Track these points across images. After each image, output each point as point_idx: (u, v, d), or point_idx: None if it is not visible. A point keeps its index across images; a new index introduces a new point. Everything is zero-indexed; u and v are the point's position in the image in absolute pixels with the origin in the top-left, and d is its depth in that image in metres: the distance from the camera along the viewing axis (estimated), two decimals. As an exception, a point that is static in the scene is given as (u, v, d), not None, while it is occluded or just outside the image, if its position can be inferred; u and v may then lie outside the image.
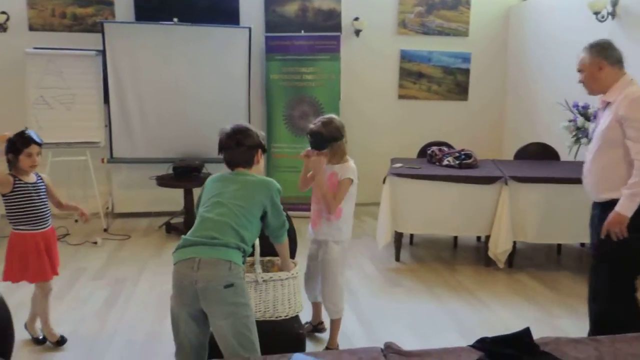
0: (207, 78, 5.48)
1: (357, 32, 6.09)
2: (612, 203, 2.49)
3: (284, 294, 2.39)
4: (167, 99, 5.43)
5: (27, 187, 2.77)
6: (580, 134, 4.29)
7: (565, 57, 5.33)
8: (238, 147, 2.25)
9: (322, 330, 3.15)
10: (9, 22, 5.37)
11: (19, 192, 2.75)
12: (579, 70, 2.70)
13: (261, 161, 2.37)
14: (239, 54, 5.55)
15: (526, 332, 1.54)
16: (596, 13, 4.62)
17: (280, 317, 2.38)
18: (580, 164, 4.44)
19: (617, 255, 2.54)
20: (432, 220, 4.28)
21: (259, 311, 2.34)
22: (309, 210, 2.98)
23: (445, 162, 4.55)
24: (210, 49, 5.46)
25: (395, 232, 4.37)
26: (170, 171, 5.35)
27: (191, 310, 2.02)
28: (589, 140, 2.89)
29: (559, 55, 5.43)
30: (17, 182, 2.74)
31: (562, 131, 4.52)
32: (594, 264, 2.73)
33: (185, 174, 5.22)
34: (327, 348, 2.91)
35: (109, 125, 5.37)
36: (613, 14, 4.58)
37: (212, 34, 5.45)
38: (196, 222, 2.17)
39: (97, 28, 5.33)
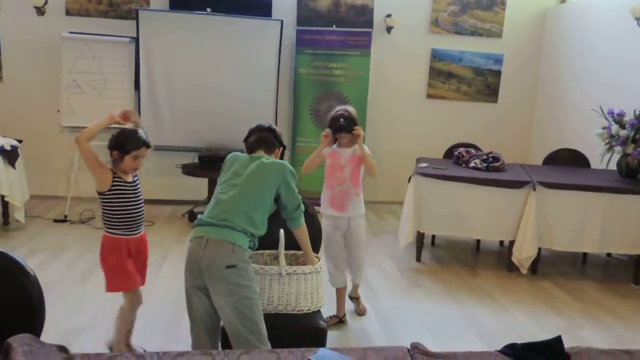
0: (237, 69, 5.51)
1: (389, 29, 6.05)
2: None
3: (307, 288, 2.39)
4: (196, 89, 5.47)
5: (126, 187, 2.51)
6: (614, 142, 4.19)
7: (601, 63, 5.22)
8: (266, 132, 2.45)
9: (361, 312, 3.40)
10: (47, 6, 5.48)
11: (117, 192, 2.49)
12: None
13: (278, 156, 2.51)
14: (269, 46, 5.56)
15: (558, 340, 1.52)
16: (638, 19, 4.49)
17: (302, 311, 2.38)
18: (612, 172, 4.38)
19: None
20: (456, 222, 4.23)
21: (282, 304, 2.35)
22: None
23: (472, 164, 4.50)
24: (241, 40, 5.48)
25: (418, 232, 4.34)
26: (196, 160, 5.41)
27: (199, 284, 2.13)
28: None
29: (595, 61, 5.30)
30: (115, 179, 2.48)
31: (594, 138, 4.42)
32: None
33: (210, 163, 5.27)
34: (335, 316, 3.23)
35: (138, 112, 5.44)
36: (655, 20, 4.46)
37: (244, 25, 5.47)
38: (211, 202, 2.26)
39: (132, 15, 5.41)
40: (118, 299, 2.62)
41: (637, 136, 4.05)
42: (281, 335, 2.18)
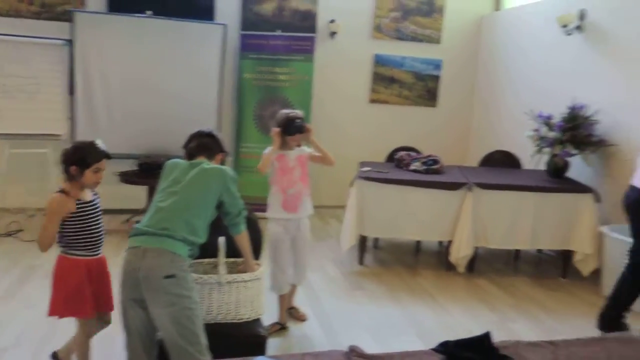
0: (178, 74, 5.42)
1: (333, 34, 6.12)
2: None
3: (247, 296, 2.39)
4: (136, 93, 5.33)
5: (86, 207, 2.35)
6: (543, 143, 4.43)
7: (532, 68, 5.50)
8: (207, 137, 2.44)
9: (302, 318, 3.43)
10: (-27, 7, 5.19)
11: (78, 215, 2.31)
12: None
13: (219, 162, 2.48)
14: (212, 50, 5.50)
15: (486, 336, 1.60)
16: (564, 26, 4.76)
17: (242, 319, 2.38)
18: (542, 172, 4.61)
19: None
20: (398, 225, 4.34)
21: (221, 313, 2.34)
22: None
23: (412, 167, 4.63)
24: (183, 44, 5.39)
25: (360, 235, 4.41)
26: (135, 167, 5.26)
27: (136, 296, 2.09)
28: None
29: (527, 66, 5.58)
30: (78, 205, 2.30)
31: (526, 140, 4.65)
32: None
33: (150, 170, 5.11)
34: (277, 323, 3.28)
35: (72, 117, 5.25)
36: (580, 28, 4.73)
37: (186, 29, 5.39)
38: (149, 210, 2.22)
39: (67, 17, 5.20)
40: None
41: (564, 137, 4.29)
42: (221, 345, 2.17)
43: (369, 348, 2.00)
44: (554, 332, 3.37)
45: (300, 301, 3.66)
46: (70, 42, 5.10)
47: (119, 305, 2.15)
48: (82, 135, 5.26)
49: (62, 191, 2.30)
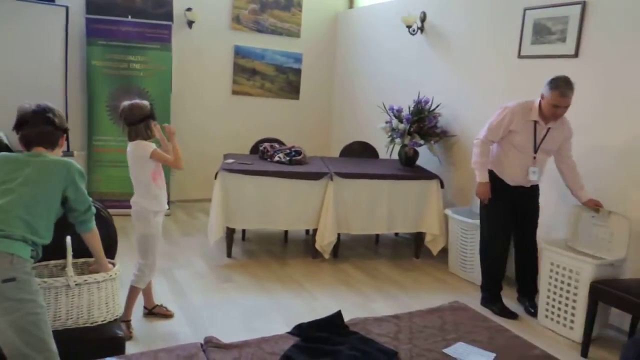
0: (17, 59, 4.82)
1: (190, 24, 5.91)
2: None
3: (101, 298, 2.22)
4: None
5: None
6: (395, 134, 4.75)
7: (384, 63, 5.87)
8: (46, 124, 2.16)
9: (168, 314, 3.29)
10: None
11: None
12: (566, 107, 3.31)
13: (63, 146, 2.27)
14: (54, 35, 4.98)
15: (338, 314, 1.68)
16: (408, 27, 5.15)
17: (97, 322, 2.20)
18: (395, 161, 4.97)
19: None
20: (264, 216, 4.36)
21: (71, 318, 2.14)
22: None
23: (276, 159, 4.67)
24: (20, 28, 4.80)
25: (227, 228, 4.36)
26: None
27: None
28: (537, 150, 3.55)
29: (380, 61, 5.94)
30: None
31: (379, 131, 4.96)
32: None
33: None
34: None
35: None
36: (422, 29, 5.16)
37: (24, 10, 4.80)
38: None
39: None
40: None
41: (412, 129, 4.66)
42: (75, 352, 2.00)
43: (238, 338, 1.99)
44: (408, 307, 3.63)
45: (166, 297, 3.53)
46: None
47: None
48: None
49: None
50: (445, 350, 1.69)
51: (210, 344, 1.51)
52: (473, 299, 3.82)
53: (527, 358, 1.68)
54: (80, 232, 2.20)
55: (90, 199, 2.21)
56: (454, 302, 2.18)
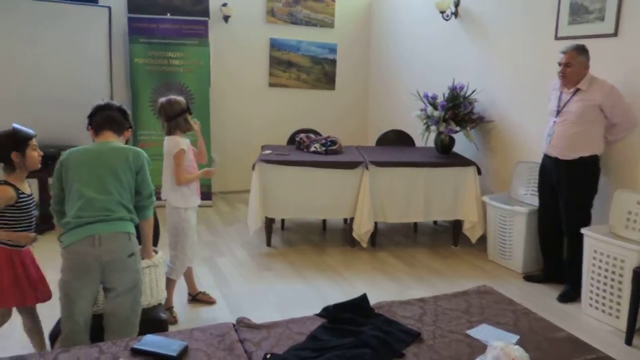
0: (64, 59, 5.07)
1: (226, 18, 6.04)
2: (581, 161, 3.45)
3: (145, 283, 2.36)
4: (19, 81, 4.91)
5: (26, 198, 2.34)
6: (430, 122, 4.73)
7: (419, 50, 5.82)
8: (118, 110, 2.39)
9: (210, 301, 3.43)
10: None
11: (20, 207, 2.31)
12: (567, 64, 3.41)
13: (126, 138, 2.48)
14: (98, 34, 5.21)
15: (363, 297, 1.74)
16: (442, 12, 5.09)
17: (142, 305, 2.34)
18: (431, 149, 4.95)
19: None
20: (300, 205, 4.44)
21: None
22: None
23: (312, 149, 4.74)
24: (67, 28, 5.05)
25: (266, 217, 4.47)
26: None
27: (93, 289, 2.12)
28: (557, 114, 3.57)
29: (414, 48, 5.90)
30: (20, 195, 2.30)
31: (414, 119, 4.94)
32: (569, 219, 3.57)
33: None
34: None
35: (-58, 109, 4.74)
36: (456, 14, 5.09)
37: (69, 12, 5.05)
38: (77, 201, 2.13)
39: None
40: None
41: (447, 116, 4.62)
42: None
43: (274, 322, 2.09)
44: (442, 292, 3.66)
45: (209, 284, 3.68)
46: None
47: (65, 299, 2.09)
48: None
49: (5, 182, 2.30)
50: (469, 332, 1.72)
51: (242, 324, 1.60)
52: (512, 286, 3.80)
53: (552, 340, 1.69)
54: (139, 218, 2.31)
55: (153, 187, 2.36)
56: (482, 286, 2.19)
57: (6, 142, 2.31)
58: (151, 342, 1.48)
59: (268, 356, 1.41)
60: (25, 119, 4.87)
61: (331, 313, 1.67)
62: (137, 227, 2.31)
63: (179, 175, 2.98)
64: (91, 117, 2.36)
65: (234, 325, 1.63)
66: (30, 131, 2.39)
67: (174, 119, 3.01)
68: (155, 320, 2.31)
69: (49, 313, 2.51)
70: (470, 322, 1.77)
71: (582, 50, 3.42)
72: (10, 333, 2.74)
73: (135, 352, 1.45)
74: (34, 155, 2.36)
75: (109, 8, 5.23)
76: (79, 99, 4.96)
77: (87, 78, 5.20)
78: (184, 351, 1.47)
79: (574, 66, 3.41)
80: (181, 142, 3.01)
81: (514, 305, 1.93)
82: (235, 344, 1.49)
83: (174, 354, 1.44)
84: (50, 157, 4.87)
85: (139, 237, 2.33)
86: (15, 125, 2.38)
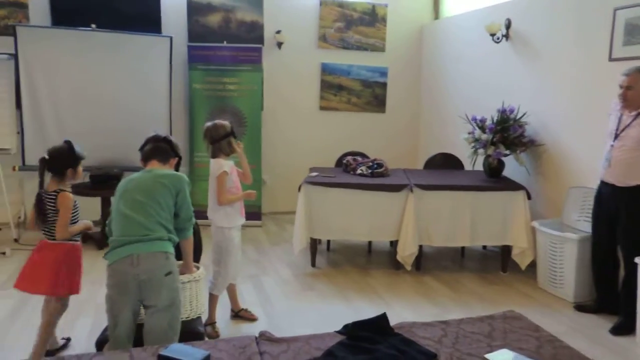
0: (127, 86, 5.45)
1: (279, 45, 6.27)
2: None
3: (186, 297, 2.48)
4: (85, 106, 5.33)
5: (76, 203, 2.89)
6: (478, 145, 4.67)
7: (469, 73, 5.78)
8: (162, 142, 2.58)
9: (252, 318, 3.53)
10: None
11: (76, 207, 2.89)
12: (628, 87, 3.32)
13: (172, 166, 2.64)
14: (160, 62, 5.56)
15: (383, 316, 1.75)
16: (492, 35, 5.05)
17: (182, 318, 2.46)
18: (480, 172, 4.87)
19: None
20: (345, 227, 4.49)
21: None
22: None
23: (358, 171, 4.79)
24: (130, 57, 5.43)
25: (311, 238, 4.54)
26: (87, 180, 5.25)
27: (134, 305, 2.26)
28: (615, 138, 3.45)
29: (465, 71, 5.86)
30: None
31: (463, 142, 4.89)
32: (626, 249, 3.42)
33: (102, 182, 5.15)
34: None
35: (21, 132, 5.20)
36: (507, 36, 5.03)
37: (132, 41, 5.43)
38: (119, 222, 2.32)
39: (10, 31, 5.17)
40: None
41: (495, 139, 4.55)
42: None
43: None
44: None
45: (252, 302, 3.79)
46: (15, 57, 5.08)
47: (110, 313, 2.28)
48: (31, 150, 5.22)
49: (65, 190, 2.80)
50: (487, 356, 1.69)
51: (263, 337, 1.66)
52: (562, 316, 3.65)
53: None
54: (179, 238, 2.47)
55: (192, 209, 2.51)
56: (508, 311, 2.14)
57: (67, 159, 2.78)
58: (177, 350, 1.58)
59: (281, 368, 1.46)
60: (88, 141, 5.25)
61: (350, 330, 1.71)
62: (178, 246, 2.46)
63: (221, 196, 3.12)
64: (141, 149, 2.60)
65: (256, 338, 1.69)
66: (83, 152, 2.89)
67: (218, 142, 3.17)
68: (193, 332, 2.42)
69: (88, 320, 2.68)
70: (491, 346, 1.74)
71: None
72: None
73: (161, 358, 1.56)
74: (80, 172, 2.88)
75: (171, 37, 5.58)
76: (141, 124, 5.31)
77: (149, 103, 5.54)
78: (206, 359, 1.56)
79: (636, 89, 3.30)
80: (224, 164, 3.15)
81: (539, 332, 1.87)
82: (255, 355, 1.56)
83: (196, 361, 1.53)
84: (114, 177, 5.23)
85: (181, 256, 2.48)
86: (72, 144, 2.83)
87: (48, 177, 2.78)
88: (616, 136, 3.42)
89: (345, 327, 1.74)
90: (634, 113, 3.35)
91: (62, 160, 2.75)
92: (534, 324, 1.97)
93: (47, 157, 2.73)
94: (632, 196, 3.35)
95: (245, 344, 1.63)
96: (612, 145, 3.44)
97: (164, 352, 1.57)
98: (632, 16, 3.71)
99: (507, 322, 1.95)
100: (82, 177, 2.95)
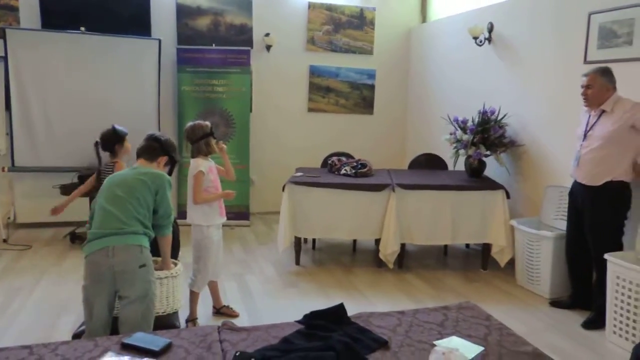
0: (116, 88, 5.53)
1: (268, 48, 6.36)
2: (606, 187, 3.39)
3: (162, 292, 2.56)
4: (74, 108, 5.41)
5: None
6: (459, 146, 4.75)
7: (453, 75, 5.87)
8: (152, 141, 2.67)
9: (234, 314, 3.58)
10: None
11: None
12: (588, 86, 3.43)
13: (163, 168, 2.70)
14: (149, 64, 5.65)
15: (340, 306, 1.83)
16: (475, 38, 5.14)
17: (158, 313, 2.54)
18: (462, 172, 4.95)
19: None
20: (328, 225, 4.57)
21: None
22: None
23: (342, 171, 4.88)
24: (119, 60, 5.51)
25: (295, 237, 4.62)
26: (76, 180, 5.32)
27: (109, 295, 2.33)
28: (584, 139, 3.54)
29: (449, 73, 5.95)
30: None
31: (446, 143, 4.98)
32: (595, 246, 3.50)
33: (91, 182, 5.22)
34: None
35: (10, 133, 5.28)
36: (489, 40, 5.13)
37: (122, 44, 5.52)
38: (99, 215, 2.40)
39: (0, 34, 5.25)
40: None
41: (475, 139, 4.63)
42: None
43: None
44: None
45: (235, 299, 3.86)
46: (4, 59, 5.16)
47: (85, 305, 2.35)
48: (20, 151, 5.30)
49: (118, 161, 3.58)
50: (436, 342, 1.77)
51: (226, 327, 1.75)
52: (538, 312, 3.74)
53: (517, 353, 1.70)
54: (157, 235, 2.57)
55: (172, 208, 2.59)
56: (464, 302, 2.22)
57: (112, 138, 3.63)
58: (140, 338, 1.66)
59: (237, 353, 1.54)
60: (77, 142, 5.38)
61: (308, 319, 1.79)
62: (156, 243, 2.54)
63: (196, 195, 3.19)
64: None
65: (218, 327, 1.77)
66: (125, 130, 3.64)
67: (196, 142, 3.25)
68: (168, 327, 2.48)
69: (70, 318, 2.75)
70: (442, 334, 1.82)
71: (604, 72, 3.40)
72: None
73: (124, 346, 1.64)
74: (128, 146, 3.61)
75: (159, 40, 5.67)
76: (130, 126, 5.34)
77: (138, 105, 5.63)
78: (167, 347, 1.64)
79: (595, 88, 3.40)
80: (201, 164, 3.23)
81: (490, 321, 1.96)
82: (215, 343, 1.64)
83: (157, 349, 1.62)
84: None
85: (159, 253, 2.56)
86: (115, 126, 3.63)
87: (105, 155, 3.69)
88: (585, 136, 3.52)
89: (305, 316, 1.82)
90: (597, 112, 3.46)
91: (109, 139, 3.60)
92: (486, 313, 2.05)
93: (98, 140, 3.64)
94: (598, 194, 3.44)
95: (207, 333, 1.71)
96: (581, 145, 3.54)
97: (127, 340, 1.65)
98: (606, 20, 3.80)
99: (461, 312, 2.04)
100: (129, 150, 3.62)
